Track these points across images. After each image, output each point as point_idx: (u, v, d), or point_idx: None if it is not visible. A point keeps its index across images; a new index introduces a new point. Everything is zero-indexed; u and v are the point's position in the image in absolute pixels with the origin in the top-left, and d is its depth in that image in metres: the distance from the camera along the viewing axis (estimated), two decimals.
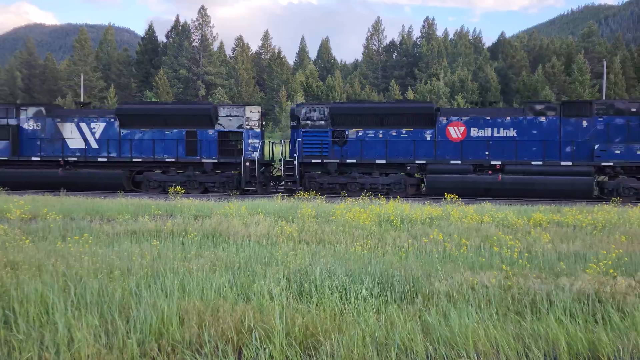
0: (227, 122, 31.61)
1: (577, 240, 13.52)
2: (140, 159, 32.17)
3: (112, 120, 32.55)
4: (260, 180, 31.36)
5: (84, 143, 32.61)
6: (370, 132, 30.55)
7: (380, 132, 30.45)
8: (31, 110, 33.35)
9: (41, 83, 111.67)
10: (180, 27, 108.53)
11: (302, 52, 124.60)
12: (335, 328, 7.03)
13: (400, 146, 30.22)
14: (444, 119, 30.08)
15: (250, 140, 31.64)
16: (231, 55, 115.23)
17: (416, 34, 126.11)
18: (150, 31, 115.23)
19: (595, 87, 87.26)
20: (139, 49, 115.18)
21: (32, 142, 32.93)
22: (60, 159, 32.68)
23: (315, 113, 31.10)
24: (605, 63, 73.55)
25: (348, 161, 30.63)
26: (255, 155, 31.23)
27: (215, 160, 31.48)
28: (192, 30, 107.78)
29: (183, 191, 28.33)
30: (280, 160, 32.40)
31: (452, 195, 23.30)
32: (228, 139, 31.66)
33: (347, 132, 30.70)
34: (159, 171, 32.47)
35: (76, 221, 16.48)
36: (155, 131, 32.10)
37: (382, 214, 17.79)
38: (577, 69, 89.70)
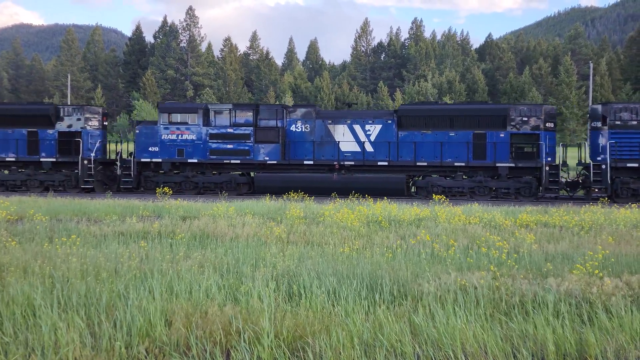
0: None
1: (564, 240, 13.59)
2: (425, 163, 29.54)
3: (390, 122, 30.05)
4: None
5: (358, 146, 30.21)
6: None
7: None
8: (300, 112, 31.11)
9: (28, 83, 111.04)
10: (168, 28, 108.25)
11: (290, 53, 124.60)
12: (324, 329, 7.03)
13: None
14: None
15: None
16: (219, 56, 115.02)
17: (404, 35, 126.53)
18: (138, 32, 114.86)
19: (582, 89, 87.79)
20: (127, 49, 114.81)
21: (302, 145, 30.54)
22: (336, 162, 30.23)
23: (628, 113, 28.30)
24: (591, 65, 73.93)
25: None
26: None
27: None
28: (179, 31, 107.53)
29: None
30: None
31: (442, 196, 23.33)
32: None
33: None
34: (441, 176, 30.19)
35: (63, 222, 16.37)
36: (439, 133, 29.47)
37: (370, 215, 17.82)
38: (564, 71, 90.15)
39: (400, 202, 24.17)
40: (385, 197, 25.95)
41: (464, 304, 8.01)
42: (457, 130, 29.31)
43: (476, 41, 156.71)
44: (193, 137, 30.35)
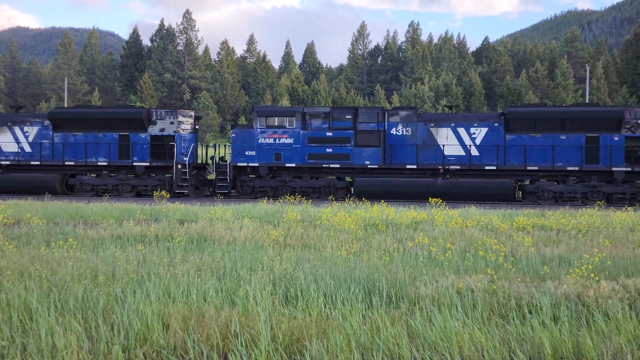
0: None
1: (561, 244, 13.61)
2: (535, 167, 28.68)
3: (497, 125, 29.22)
4: None
5: (463, 150, 29.44)
6: None
7: None
8: (401, 115, 30.21)
9: (24, 87, 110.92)
10: (165, 31, 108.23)
11: (287, 56, 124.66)
12: (321, 333, 7.03)
13: None
14: None
15: None
16: (216, 59, 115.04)
17: (401, 38, 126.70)
18: (135, 35, 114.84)
19: (578, 92, 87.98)
20: (124, 52, 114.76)
21: (403, 149, 29.62)
22: (440, 167, 29.33)
23: None
24: (588, 68, 74.17)
25: None
26: None
27: None
28: (176, 34, 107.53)
29: None
30: None
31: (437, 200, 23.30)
32: None
33: None
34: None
35: (60, 226, 16.34)
36: (549, 136, 28.65)
37: (368, 218, 17.81)
38: (560, 74, 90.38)
39: (396, 205, 24.14)
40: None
41: (461, 307, 8.02)
42: (568, 133, 28.46)
43: (472, 44, 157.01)
44: (291, 140, 29.79)
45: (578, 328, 7.42)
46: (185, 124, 31.61)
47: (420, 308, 8.02)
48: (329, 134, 29.70)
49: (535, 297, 8.36)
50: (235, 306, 8.03)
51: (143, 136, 31.03)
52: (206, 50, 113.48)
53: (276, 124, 29.93)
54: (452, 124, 29.46)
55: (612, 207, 24.16)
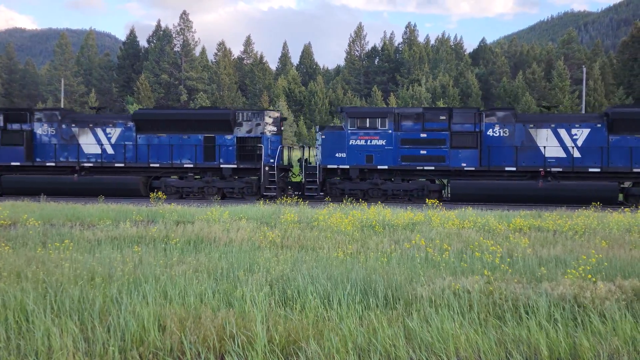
0: None
1: (558, 245, 13.62)
2: None
3: (600, 125, 28.63)
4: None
5: (563, 151, 28.70)
6: None
7: None
8: (498, 115, 29.47)
9: (21, 88, 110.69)
10: (162, 32, 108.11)
11: (284, 58, 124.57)
12: (318, 334, 7.03)
13: None
14: None
15: None
16: (213, 60, 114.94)
17: (398, 39, 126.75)
18: (132, 36, 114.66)
19: (575, 93, 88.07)
20: (120, 53, 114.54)
21: (501, 150, 28.91)
22: (541, 169, 28.59)
23: None
24: (584, 69, 74.28)
25: None
26: None
27: None
28: (173, 35, 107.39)
29: None
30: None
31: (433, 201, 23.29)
32: None
33: None
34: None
35: (56, 227, 16.33)
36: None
37: (364, 220, 17.82)
38: (557, 75, 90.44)
39: (394, 206, 24.14)
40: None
41: (458, 308, 8.02)
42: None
43: (469, 46, 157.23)
44: (383, 142, 29.33)
45: (575, 329, 7.42)
46: (271, 125, 31.18)
47: (417, 309, 8.03)
48: (423, 135, 29.25)
49: (532, 298, 8.36)
50: (232, 307, 8.02)
51: (229, 138, 30.59)
52: (203, 51, 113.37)
53: (367, 125, 29.46)
54: (553, 125, 28.80)
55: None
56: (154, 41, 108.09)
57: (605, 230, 16.34)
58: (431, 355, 6.71)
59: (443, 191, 29.96)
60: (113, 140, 31.36)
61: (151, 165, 30.96)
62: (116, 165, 31.18)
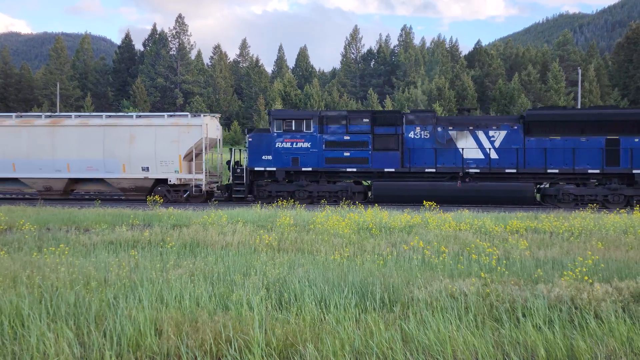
0: None
1: (554, 246, 13.63)
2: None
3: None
4: None
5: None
6: None
7: None
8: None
9: (16, 92, 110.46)
10: (157, 36, 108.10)
11: (280, 61, 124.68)
12: (315, 337, 7.01)
13: None
14: None
15: None
16: (209, 63, 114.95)
17: (393, 42, 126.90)
18: (127, 40, 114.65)
19: (571, 95, 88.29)
20: (116, 57, 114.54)
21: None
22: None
23: None
24: (580, 71, 74.43)
25: None
26: None
27: None
28: (169, 39, 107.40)
29: None
30: None
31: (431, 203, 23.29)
32: None
33: None
34: None
35: (52, 232, 16.29)
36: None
37: (361, 222, 17.81)
38: (552, 77, 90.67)
39: (390, 208, 24.13)
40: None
41: (455, 310, 8.01)
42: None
43: (463, 48, 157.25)
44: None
45: (572, 331, 7.42)
46: None
47: (414, 312, 8.01)
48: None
49: (529, 300, 8.36)
50: (229, 311, 8.00)
51: (637, 140, 28.16)
52: (199, 54, 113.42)
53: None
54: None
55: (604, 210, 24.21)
56: (150, 45, 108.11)
57: (602, 231, 16.37)
58: (428, 357, 6.70)
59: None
60: (497, 144, 29.26)
61: (549, 171, 28.80)
62: (507, 171, 29.06)
